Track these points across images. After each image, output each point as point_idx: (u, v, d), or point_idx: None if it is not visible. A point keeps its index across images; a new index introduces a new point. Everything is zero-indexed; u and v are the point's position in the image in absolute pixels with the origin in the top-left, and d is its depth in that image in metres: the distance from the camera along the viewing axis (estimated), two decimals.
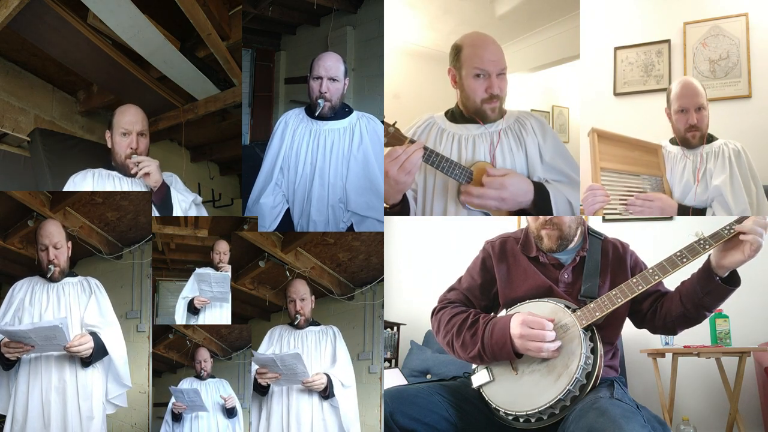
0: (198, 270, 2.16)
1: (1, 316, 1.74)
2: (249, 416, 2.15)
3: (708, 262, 1.55)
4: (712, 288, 1.54)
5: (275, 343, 2.05)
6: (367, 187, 2.07)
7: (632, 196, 2.11)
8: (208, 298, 2.15)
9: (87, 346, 1.72)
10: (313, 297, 2.06)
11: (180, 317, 2.15)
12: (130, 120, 1.93)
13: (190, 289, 2.18)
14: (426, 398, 1.56)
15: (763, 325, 3.20)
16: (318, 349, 2.01)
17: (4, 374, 1.71)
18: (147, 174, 1.87)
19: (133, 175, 1.91)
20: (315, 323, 2.06)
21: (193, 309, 2.16)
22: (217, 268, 2.18)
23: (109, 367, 1.81)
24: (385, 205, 1.79)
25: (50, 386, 1.72)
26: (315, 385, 1.92)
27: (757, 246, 1.44)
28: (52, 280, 1.82)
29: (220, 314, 2.15)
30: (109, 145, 1.96)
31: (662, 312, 1.66)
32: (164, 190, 1.92)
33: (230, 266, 2.16)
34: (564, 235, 1.69)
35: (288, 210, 2.14)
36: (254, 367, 1.96)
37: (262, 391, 1.97)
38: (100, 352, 1.76)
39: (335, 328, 2.03)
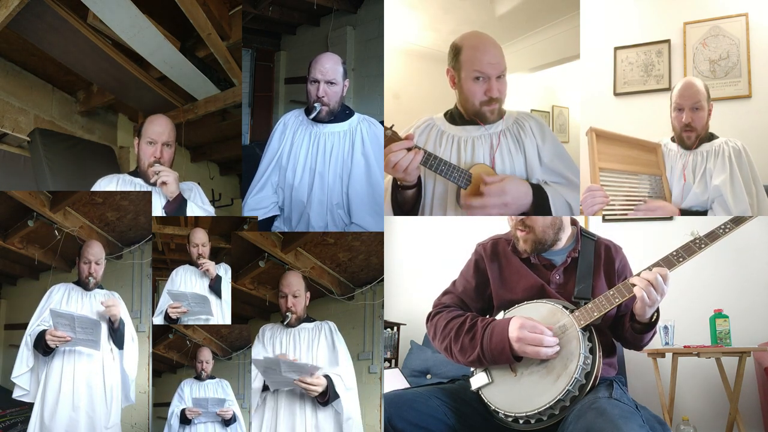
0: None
1: (38, 314, 1.90)
2: (249, 416, 2.15)
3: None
4: (630, 328, 1.64)
5: (267, 344, 1.94)
6: (369, 196, 2.04)
7: (631, 196, 2.10)
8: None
9: None
10: (308, 294, 1.92)
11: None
12: (157, 130, 1.99)
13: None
14: (424, 402, 1.56)
15: (763, 325, 3.20)
16: (311, 349, 1.88)
17: (39, 362, 1.86)
18: (164, 183, 1.92)
19: (154, 184, 1.96)
20: (309, 319, 1.94)
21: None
22: (197, 264, 2.10)
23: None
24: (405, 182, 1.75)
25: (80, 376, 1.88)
26: (312, 388, 1.74)
27: (650, 301, 1.50)
28: (87, 289, 1.97)
29: None
30: (136, 152, 2.03)
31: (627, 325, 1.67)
32: (179, 200, 1.96)
33: (215, 264, 2.12)
34: (539, 239, 1.69)
35: (276, 217, 2.13)
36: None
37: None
38: None
39: (331, 323, 1.92)
